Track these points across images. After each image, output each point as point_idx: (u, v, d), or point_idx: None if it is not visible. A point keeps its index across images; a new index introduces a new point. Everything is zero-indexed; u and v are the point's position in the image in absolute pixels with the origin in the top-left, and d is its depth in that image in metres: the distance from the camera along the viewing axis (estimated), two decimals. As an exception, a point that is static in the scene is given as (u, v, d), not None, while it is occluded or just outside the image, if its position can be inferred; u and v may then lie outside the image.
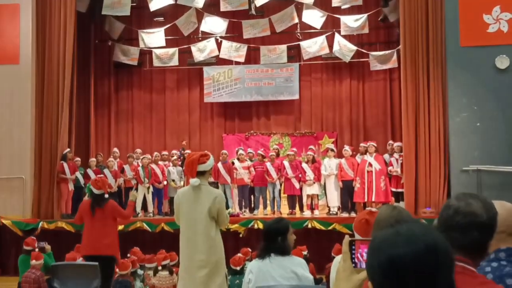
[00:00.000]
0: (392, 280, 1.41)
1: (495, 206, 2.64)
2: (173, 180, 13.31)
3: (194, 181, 5.51)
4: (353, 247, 1.74)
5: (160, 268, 8.96)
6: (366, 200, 12.59)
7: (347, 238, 1.76)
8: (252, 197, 13.49)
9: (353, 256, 1.73)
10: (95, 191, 7.52)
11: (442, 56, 12.18)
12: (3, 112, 13.11)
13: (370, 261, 1.48)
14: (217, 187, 12.05)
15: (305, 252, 9.48)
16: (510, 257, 2.52)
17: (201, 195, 5.50)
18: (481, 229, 2.08)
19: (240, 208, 13.26)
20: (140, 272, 9.39)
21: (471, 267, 2.03)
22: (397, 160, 12.71)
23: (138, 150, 14.70)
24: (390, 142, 13.68)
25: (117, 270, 8.16)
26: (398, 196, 12.66)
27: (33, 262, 9.03)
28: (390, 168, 12.70)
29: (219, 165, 12.99)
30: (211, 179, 11.11)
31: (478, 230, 2.07)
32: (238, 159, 13.49)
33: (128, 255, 9.65)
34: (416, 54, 12.37)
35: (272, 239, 4.40)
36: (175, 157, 13.76)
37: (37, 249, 9.74)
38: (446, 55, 12.12)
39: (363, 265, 1.65)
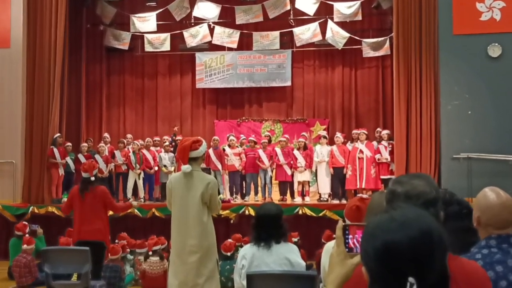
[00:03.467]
0: (387, 265, 1.42)
1: (489, 194, 2.65)
2: (165, 166, 13.30)
3: (186, 167, 5.51)
4: (347, 232, 1.74)
5: (151, 253, 8.99)
6: (357, 187, 12.63)
7: (340, 223, 1.77)
8: (243, 183, 13.50)
9: (347, 241, 1.73)
10: (83, 174, 7.54)
11: (434, 44, 12.19)
12: (-6, 96, 13.03)
13: (365, 247, 1.48)
14: (210, 173, 12.04)
15: (296, 239, 9.54)
16: (501, 244, 2.54)
17: (193, 181, 5.50)
18: (435, 204, 2.10)
19: (231, 194, 13.28)
20: (130, 257, 9.42)
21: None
22: (385, 147, 12.75)
23: (129, 136, 14.66)
24: (378, 129, 13.72)
25: (108, 255, 8.18)
26: (387, 183, 12.68)
27: (25, 246, 9.05)
28: (377, 155, 12.74)
29: (210, 151, 12.98)
30: (204, 165, 11.10)
31: (433, 206, 2.09)
32: (229, 145, 13.47)
33: (117, 240, 9.66)
34: (409, 41, 12.38)
35: (265, 225, 4.39)
36: (167, 143, 13.73)
37: (28, 232, 9.75)
38: (438, 43, 12.12)
39: (359, 250, 1.66)
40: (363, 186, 12.57)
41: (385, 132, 13.07)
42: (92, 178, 7.39)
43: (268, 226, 4.37)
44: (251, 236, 4.52)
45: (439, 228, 1.46)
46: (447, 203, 2.66)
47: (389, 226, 1.45)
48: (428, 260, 1.41)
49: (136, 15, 15.93)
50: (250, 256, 4.37)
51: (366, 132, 13.11)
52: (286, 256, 4.33)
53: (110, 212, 8.18)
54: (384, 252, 1.42)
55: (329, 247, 3.74)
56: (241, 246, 8.96)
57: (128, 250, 9.54)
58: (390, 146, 12.69)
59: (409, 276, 1.39)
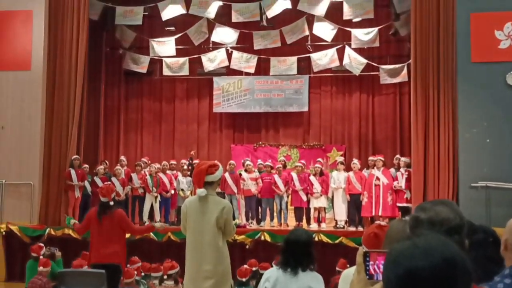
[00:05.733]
0: None
1: None
2: (182, 190, 13.31)
3: (201, 191, 5.51)
4: (368, 258, 1.72)
5: (165, 277, 8.95)
6: (373, 214, 12.54)
7: (361, 250, 1.75)
8: (259, 208, 13.46)
9: (368, 267, 1.71)
10: (101, 198, 7.51)
11: (452, 71, 12.16)
12: (14, 118, 13.17)
13: (387, 274, 1.46)
14: (224, 197, 12.03)
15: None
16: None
17: (208, 205, 5.49)
18: (459, 231, 2.07)
19: (247, 219, 13.24)
20: (143, 281, 9.39)
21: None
22: (402, 174, 12.68)
23: (144, 159, 14.66)
24: (397, 156, 13.65)
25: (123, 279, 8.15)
26: (404, 211, 12.54)
27: (41, 268, 9.05)
28: (395, 183, 12.66)
29: (227, 175, 12.98)
30: (218, 189, 11.10)
31: (458, 233, 2.06)
32: (245, 170, 13.47)
33: (128, 264, 9.65)
34: (427, 68, 12.36)
35: (294, 251, 4.30)
36: (185, 167, 13.76)
37: (42, 255, 9.75)
38: (456, 70, 12.09)
39: (380, 277, 1.63)
40: (379, 214, 12.48)
41: (403, 160, 12.98)
42: (111, 203, 7.37)
43: (297, 253, 4.28)
44: (279, 260, 4.44)
45: (464, 257, 1.44)
46: (472, 231, 2.63)
47: (412, 253, 1.43)
48: (450, 287, 1.39)
49: (155, 39, 16.09)
50: (273, 280, 4.30)
51: (383, 159, 13.06)
52: (310, 285, 4.25)
53: (127, 235, 8.17)
54: (407, 279, 1.41)
55: (347, 274, 3.70)
56: (257, 272, 8.92)
57: (142, 273, 9.52)
58: (407, 173, 12.60)
59: None
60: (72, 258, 9.94)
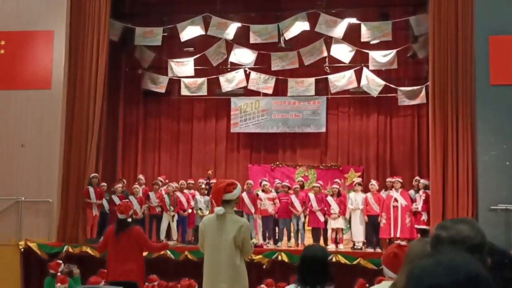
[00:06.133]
0: None
1: None
2: (200, 209, 13.33)
3: (218, 209, 5.52)
4: None
5: (182, 296, 8.95)
6: (392, 236, 12.45)
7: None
8: (276, 228, 13.43)
9: None
10: (119, 215, 7.57)
11: (471, 93, 12.10)
12: (33, 135, 13.31)
13: None
14: (242, 216, 12.01)
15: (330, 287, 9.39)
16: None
17: (226, 224, 5.49)
18: (480, 250, 2.07)
19: (264, 239, 13.21)
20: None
21: None
22: (420, 196, 12.60)
23: (161, 178, 14.68)
24: (417, 178, 13.58)
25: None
26: (422, 233, 12.44)
27: (58, 285, 9.10)
28: (413, 205, 12.59)
29: (244, 195, 12.98)
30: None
31: (479, 251, 2.06)
32: (263, 190, 13.47)
33: (147, 283, 9.65)
34: (445, 91, 12.31)
35: (311, 268, 4.23)
36: (202, 186, 13.80)
37: (60, 272, 9.79)
38: (475, 93, 12.04)
39: None
40: (398, 235, 12.38)
41: (422, 182, 12.90)
42: (129, 220, 7.42)
43: (314, 270, 4.20)
44: (296, 278, 4.35)
45: (486, 274, 1.44)
46: (490, 252, 2.62)
47: (435, 270, 1.43)
48: None
49: (174, 60, 16.23)
50: None
51: (401, 180, 12.98)
52: None
53: (144, 254, 8.20)
54: None
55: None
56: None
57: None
58: (424, 195, 12.52)
59: None
60: (89, 276, 9.97)
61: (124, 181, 14.97)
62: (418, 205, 12.50)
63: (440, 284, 1.40)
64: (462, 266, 1.43)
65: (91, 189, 13.07)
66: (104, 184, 13.69)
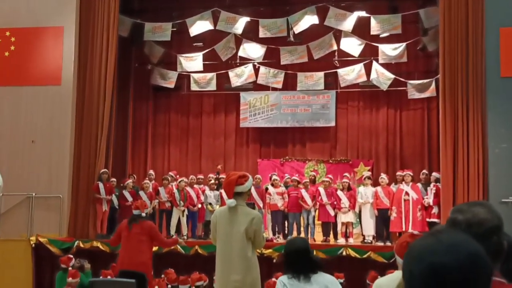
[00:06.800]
0: (432, 287, 1.41)
1: None
2: (210, 204, 13.33)
3: (230, 201, 5.52)
4: None
5: (193, 289, 8.97)
6: (403, 229, 12.41)
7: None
8: (286, 222, 13.42)
9: None
10: (134, 211, 7.75)
11: (482, 86, 12.04)
12: (44, 132, 13.36)
13: (410, 269, 1.47)
14: (254, 208, 12.01)
15: (341, 280, 9.42)
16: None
17: (237, 216, 5.50)
18: (497, 232, 2.05)
19: (274, 234, 13.20)
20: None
21: (499, 277, 1.98)
22: (431, 189, 12.56)
23: (171, 173, 14.69)
24: (424, 171, 13.54)
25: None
26: (432, 227, 12.42)
27: (70, 280, 9.15)
28: (425, 198, 12.55)
29: (252, 189, 12.95)
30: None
31: (496, 234, 2.04)
32: (272, 184, 13.46)
33: (162, 275, 9.69)
34: (455, 83, 12.25)
35: (295, 260, 4.38)
36: (212, 181, 13.80)
37: (71, 267, 9.84)
38: (486, 85, 11.98)
39: None
40: (409, 229, 12.33)
41: (434, 175, 12.84)
42: (143, 214, 7.63)
43: (299, 261, 4.36)
44: (286, 271, 4.45)
45: (485, 253, 1.45)
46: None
47: (436, 248, 1.44)
48: (474, 284, 1.40)
49: (183, 55, 16.24)
50: (290, 283, 4.32)
51: (411, 174, 12.93)
52: (327, 285, 4.30)
53: (154, 248, 8.29)
54: (431, 274, 1.41)
55: (380, 283, 3.69)
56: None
57: (169, 286, 9.53)
58: (435, 188, 12.48)
59: None
60: (100, 270, 10.02)
61: (135, 176, 15.01)
62: (429, 199, 12.46)
63: (442, 262, 1.41)
64: (463, 245, 1.44)
65: (101, 185, 13.10)
66: (114, 179, 13.71)
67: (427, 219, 12.46)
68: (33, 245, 12.57)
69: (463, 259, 1.41)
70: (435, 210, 12.38)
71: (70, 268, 9.72)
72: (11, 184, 12.98)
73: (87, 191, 13.18)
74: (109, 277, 8.79)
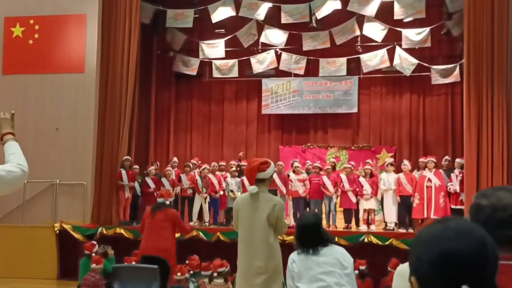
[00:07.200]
0: (442, 274, 1.41)
1: None
2: (232, 191, 13.35)
3: (252, 188, 5.51)
4: None
5: (215, 275, 9.00)
6: (425, 216, 12.33)
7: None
8: (307, 209, 13.39)
9: None
10: (158, 199, 7.87)
11: (507, 71, 11.89)
12: (68, 119, 13.49)
13: (418, 255, 1.46)
14: (276, 194, 12.00)
15: (363, 267, 9.39)
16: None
17: (259, 202, 5.49)
18: None
19: (295, 221, 13.19)
20: (193, 279, 9.45)
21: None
22: (456, 176, 12.43)
23: (194, 161, 14.73)
24: (447, 157, 13.40)
25: (173, 276, 8.25)
26: (457, 214, 12.33)
27: (93, 266, 9.24)
28: (449, 185, 12.43)
29: (275, 176, 12.90)
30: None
31: None
32: (293, 171, 13.43)
33: (187, 261, 9.74)
34: (480, 68, 12.11)
35: (306, 234, 4.50)
36: (233, 168, 13.82)
37: (94, 253, 9.94)
38: (511, 69, 11.81)
39: None
40: (431, 216, 12.25)
41: (458, 161, 12.72)
42: (167, 202, 7.77)
43: (309, 234, 4.49)
44: (297, 246, 4.57)
45: (492, 239, 1.46)
46: None
47: (446, 234, 1.44)
48: (483, 269, 1.41)
49: (205, 41, 16.23)
50: (300, 258, 4.46)
51: (434, 160, 12.81)
52: (336, 257, 4.40)
53: (176, 235, 8.37)
54: (441, 260, 1.41)
55: (403, 270, 3.67)
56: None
57: (191, 271, 9.58)
58: (461, 175, 12.35)
59: (463, 284, 1.38)
60: (123, 257, 10.11)
61: (158, 163, 15.10)
62: (455, 185, 12.33)
63: (453, 248, 1.41)
64: (472, 231, 1.45)
65: (123, 172, 13.19)
66: (137, 166, 13.81)
67: (452, 206, 12.35)
68: (57, 231, 12.76)
69: (473, 244, 1.41)
70: (462, 197, 12.25)
71: (93, 254, 9.82)
72: (36, 171, 13.09)
73: (110, 178, 13.29)
74: (133, 263, 8.87)
